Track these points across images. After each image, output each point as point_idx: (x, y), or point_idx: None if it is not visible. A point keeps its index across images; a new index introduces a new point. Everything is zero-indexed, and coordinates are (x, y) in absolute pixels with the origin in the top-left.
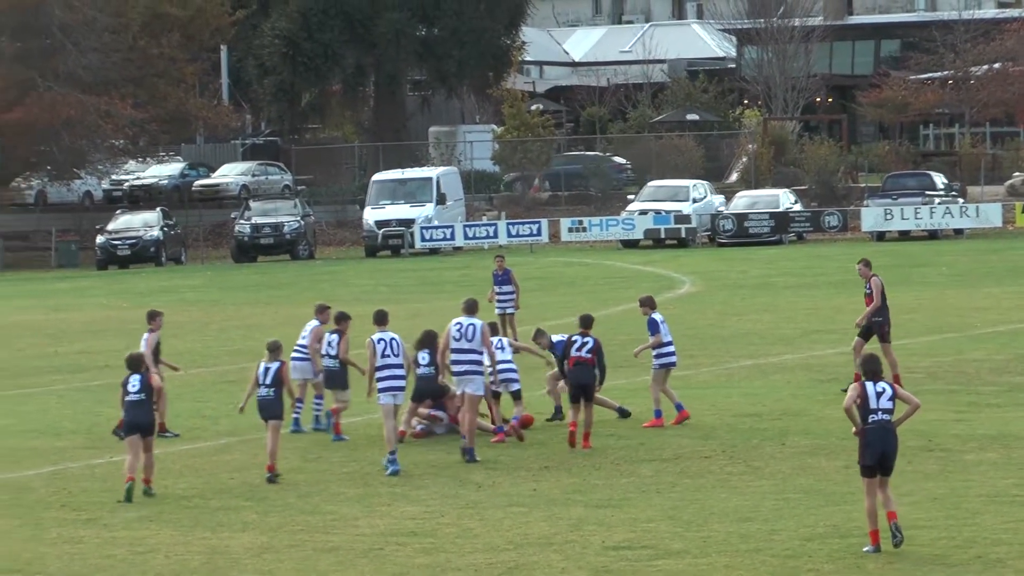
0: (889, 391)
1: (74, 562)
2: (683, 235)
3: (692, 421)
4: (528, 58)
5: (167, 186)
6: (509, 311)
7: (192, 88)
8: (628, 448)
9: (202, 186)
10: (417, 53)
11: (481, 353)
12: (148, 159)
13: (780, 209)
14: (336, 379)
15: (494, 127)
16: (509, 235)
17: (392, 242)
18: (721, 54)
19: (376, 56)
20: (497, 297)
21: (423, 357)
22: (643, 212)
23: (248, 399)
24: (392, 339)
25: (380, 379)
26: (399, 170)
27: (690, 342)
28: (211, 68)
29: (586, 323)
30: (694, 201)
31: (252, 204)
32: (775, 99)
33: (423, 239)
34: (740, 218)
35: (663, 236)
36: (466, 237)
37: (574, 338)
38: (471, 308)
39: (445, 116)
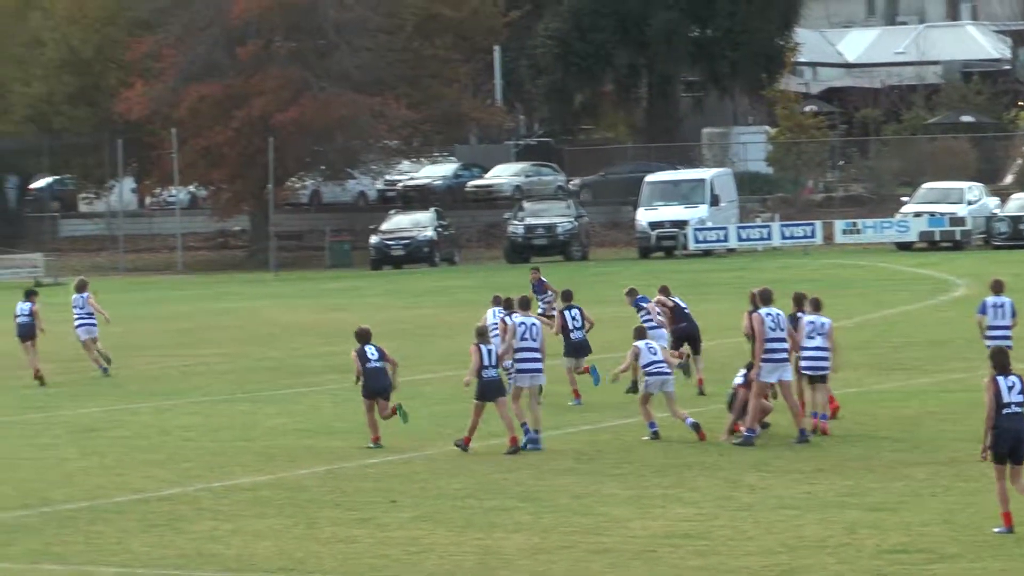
0: (1019, 385)
1: (348, 561)
2: (958, 237)
3: (969, 425)
4: (801, 59)
5: (440, 187)
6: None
7: (465, 89)
8: (902, 451)
9: (475, 186)
10: (690, 53)
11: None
12: (422, 159)
13: None
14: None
15: (767, 128)
16: (783, 237)
17: (665, 243)
18: (996, 55)
19: (649, 56)
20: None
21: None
22: (917, 214)
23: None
24: (533, 324)
25: (519, 360)
26: (672, 171)
27: (965, 345)
28: (484, 69)
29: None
30: (969, 203)
31: (525, 205)
32: None
33: (696, 240)
34: (1015, 220)
35: (937, 238)
36: (739, 239)
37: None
38: (767, 299)
39: (718, 117)
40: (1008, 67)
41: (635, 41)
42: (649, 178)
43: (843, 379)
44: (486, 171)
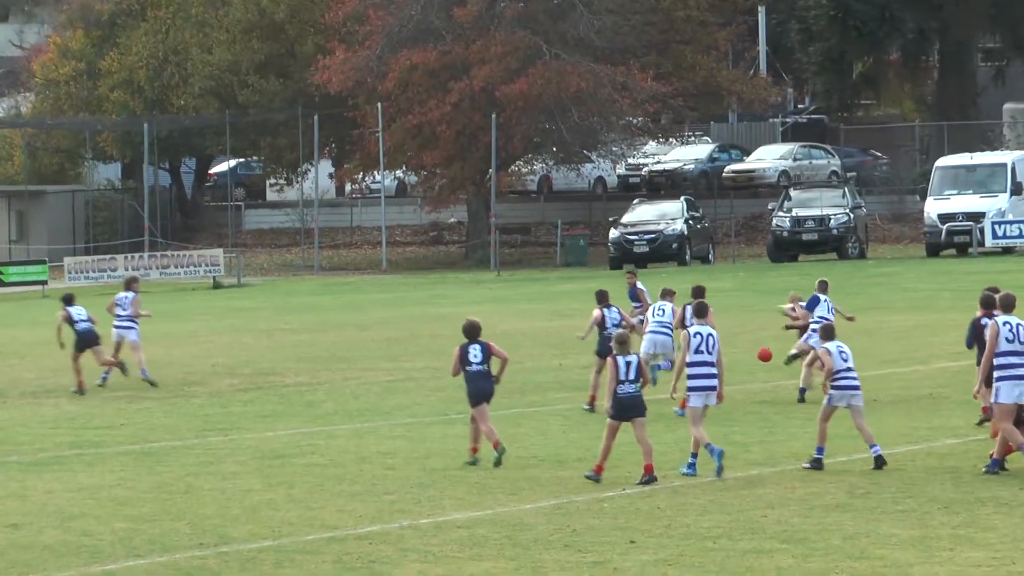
0: None
1: None
2: None
3: None
4: None
5: (693, 171)
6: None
7: (724, 57)
8: None
9: (734, 172)
10: (990, 16)
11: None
12: (671, 140)
13: None
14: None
15: None
16: None
17: (958, 239)
18: None
19: (941, 20)
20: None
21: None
22: None
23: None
24: (709, 334)
25: (692, 376)
26: (968, 154)
27: None
28: (747, 33)
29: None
30: None
31: (793, 193)
32: None
33: (995, 236)
34: None
35: None
36: None
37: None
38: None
39: (1023, 91)
40: None
41: (926, 2)
42: (940, 162)
43: None
44: (747, 154)
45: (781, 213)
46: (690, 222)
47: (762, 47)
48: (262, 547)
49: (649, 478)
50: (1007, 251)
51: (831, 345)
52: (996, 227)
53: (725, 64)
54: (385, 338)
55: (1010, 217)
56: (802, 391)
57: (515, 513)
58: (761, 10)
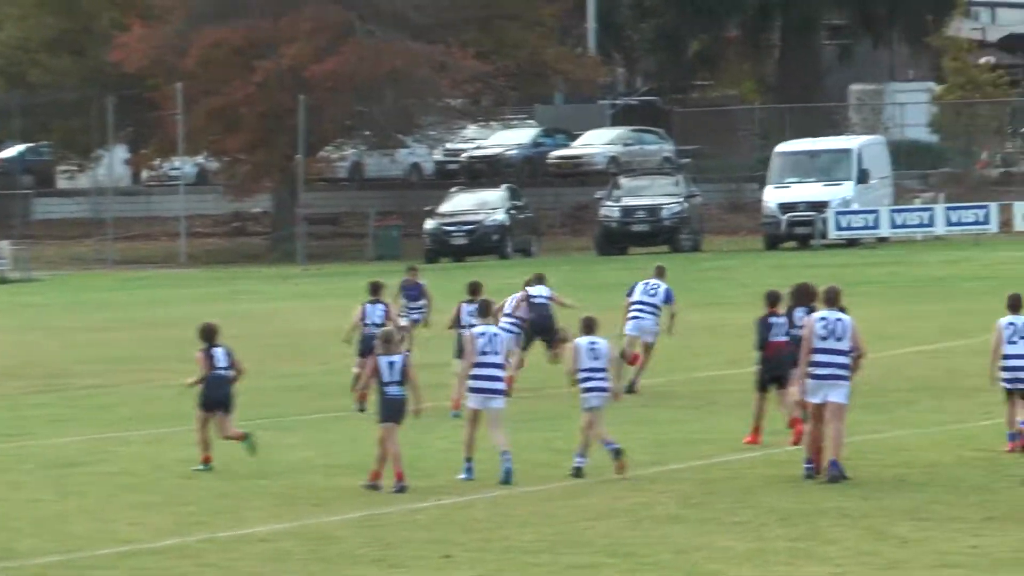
0: None
1: None
2: None
3: None
4: None
5: (515, 158)
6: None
7: (550, 34)
8: None
9: (560, 158)
10: None
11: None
12: (492, 123)
13: None
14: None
15: (932, 85)
16: (948, 223)
17: (799, 230)
18: None
19: None
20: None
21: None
22: None
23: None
24: (495, 334)
25: (473, 377)
26: (810, 139)
27: None
28: (574, 8)
29: (774, 301)
30: None
31: (622, 181)
32: None
33: (839, 227)
34: None
35: None
36: (894, 225)
37: (771, 320)
38: (832, 299)
39: (870, 71)
40: None
41: None
42: (780, 148)
43: None
44: (574, 138)
45: (610, 203)
46: (512, 212)
47: (591, 23)
48: (50, 562)
49: (401, 486)
50: (852, 243)
51: (583, 340)
52: (840, 218)
53: (551, 42)
54: (183, 337)
55: (855, 207)
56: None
57: (321, 525)
58: None
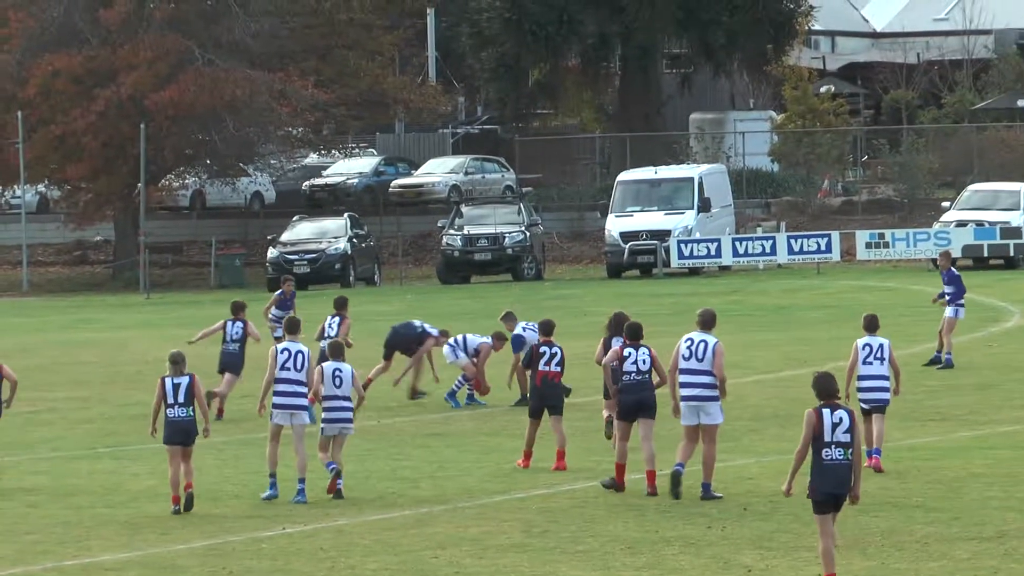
0: (847, 422)
1: None
2: (1011, 253)
3: (1021, 491)
4: (817, 27)
5: (357, 186)
6: None
7: (391, 63)
8: (939, 523)
9: (402, 186)
10: (676, 19)
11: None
12: (334, 152)
13: None
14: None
15: (772, 114)
16: (790, 251)
17: (642, 259)
18: None
19: (624, 23)
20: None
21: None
22: (961, 223)
23: (156, 421)
24: (299, 351)
25: (276, 393)
26: (652, 168)
27: (1017, 386)
28: (415, 38)
29: (547, 330)
30: None
31: (464, 210)
32: None
33: (681, 256)
34: None
35: (986, 254)
36: (735, 254)
37: (542, 349)
38: (708, 323)
39: (710, 100)
40: None
41: (607, 3)
42: (622, 177)
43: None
44: (416, 167)
45: (452, 231)
46: (354, 240)
47: (431, 52)
48: None
49: (176, 509)
50: (694, 272)
51: (327, 366)
52: (682, 246)
53: (392, 70)
54: (25, 366)
55: (697, 235)
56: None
57: (167, 554)
58: (430, 12)
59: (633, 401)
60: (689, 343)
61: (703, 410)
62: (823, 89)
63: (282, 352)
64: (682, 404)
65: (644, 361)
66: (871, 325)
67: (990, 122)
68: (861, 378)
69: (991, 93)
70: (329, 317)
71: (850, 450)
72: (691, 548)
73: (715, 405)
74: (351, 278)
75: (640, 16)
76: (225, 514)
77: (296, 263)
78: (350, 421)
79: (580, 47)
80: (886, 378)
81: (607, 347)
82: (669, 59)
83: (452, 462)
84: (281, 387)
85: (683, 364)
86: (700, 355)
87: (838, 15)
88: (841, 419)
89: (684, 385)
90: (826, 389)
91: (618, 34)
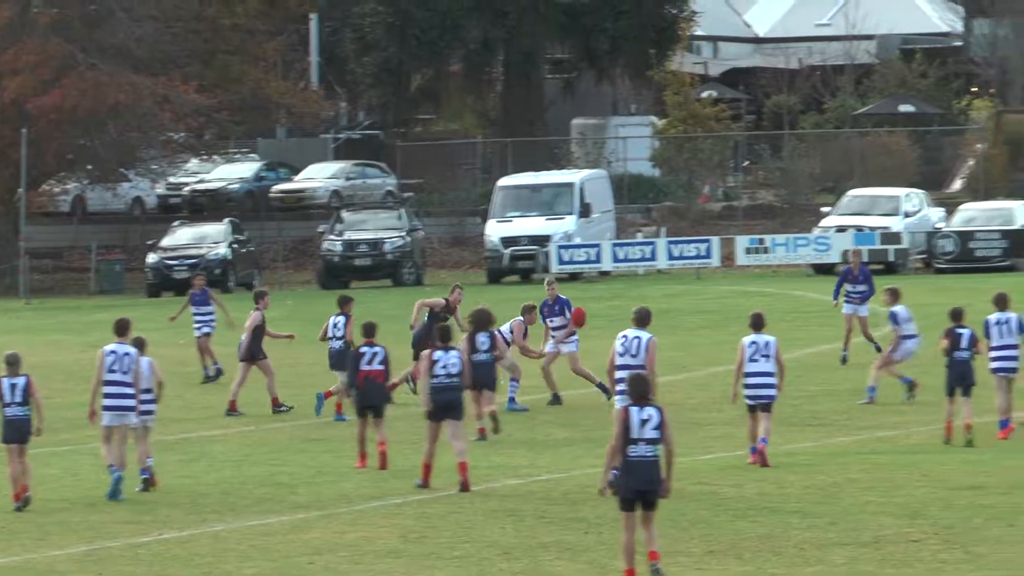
0: (656, 419)
1: None
2: (891, 258)
3: (901, 496)
4: (699, 32)
5: (238, 191)
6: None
7: (273, 68)
8: (816, 528)
9: (283, 192)
10: (559, 25)
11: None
12: (215, 157)
13: (1016, 226)
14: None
15: (654, 119)
16: (670, 257)
17: (522, 264)
18: (944, 29)
19: (507, 28)
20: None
21: (482, 342)
22: (841, 229)
23: None
24: (126, 353)
25: (105, 395)
26: (533, 173)
27: (892, 392)
28: (298, 43)
29: (369, 331)
30: (906, 215)
31: (345, 215)
32: (1013, 86)
33: (561, 261)
34: (964, 237)
35: (865, 259)
36: (616, 259)
37: (363, 349)
38: (643, 320)
39: (593, 105)
40: (960, 43)
41: (491, 8)
42: (502, 182)
43: (738, 438)
44: (297, 172)
45: (332, 236)
46: (235, 246)
47: (314, 57)
48: None
49: (17, 506)
50: (574, 277)
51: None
52: (563, 251)
53: (274, 75)
54: None
55: (578, 241)
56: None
57: (44, 560)
58: (313, 17)
59: (443, 402)
60: (624, 340)
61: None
62: (705, 94)
63: (108, 355)
64: (617, 398)
65: (454, 364)
66: (757, 323)
67: (871, 127)
68: (747, 375)
69: (873, 98)
70: (333, 316)
71: (658, 446)
72: (567, 553)
73: None
74: (231, 283)
75: (523, 21)
76: (103, 520)
77: (176, 268)
78: (147, 413)
79: (463, 52)
80: (772, 375)
81: (471, 343)
82: (552, 64)
83: (330, 467)
84: (108, 389)
85: (619, 360)
86: (635, 351)
87: (720, 20)
88: (650, 416)
89: (620, 380)
90: (636, 391)
91: (501, 39)
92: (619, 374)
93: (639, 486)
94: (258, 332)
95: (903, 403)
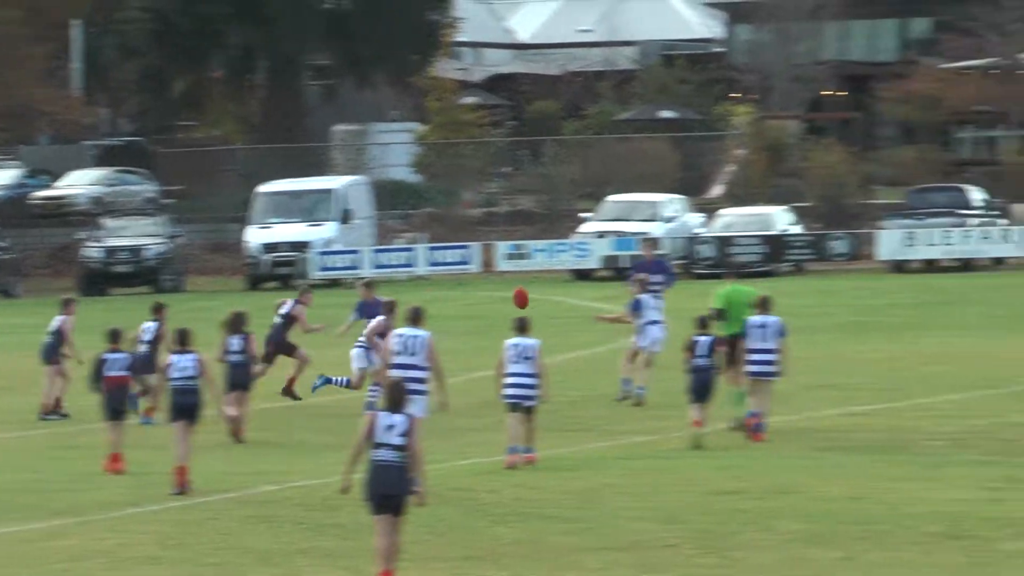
0: (402, 426)
1: None
2: None
3: (657, 500)
4: (462, 38)
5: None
6: None
7: (35, 75)
8: (573, 533)
9: (43, 199)
10: (321, 31)
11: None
12: None
13: (775, 232)
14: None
15: (416, 126)
16: (431, 263)
17: (282, 271)
18: (706, 34)
19: (269, 34)
20: None
21: (234, 343)
22: (601, 234)
23: None
24: None
25: None
26: (293, 180)
27: (658, 400)
28: (60, 49)
29: (114, 338)
30: (666, 221)
31: (105, 222)
32: (773, 92)
33: (322, 267)
34: (724, 242)
35: (624, 265)
36: (377, 265)
37: (104, 356)
38: (416, 318)
39: (354, 111)
40: (721, 49)
41: (252, 15)
42: (262, 188)
43: (495, 444)
44: (58, 179)
45: (92, 243)
46: None
47: (76, 64)
48: None
49: None
50: (335, 283)
51: None
52: (323, 258)
53: (36, 82)
54: None
55: (338, 247)
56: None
57: None
58: (76, 24)
59: (180, 404)
60: (400, 338)
61: (412, 402)
62: (467, 100)
63: None
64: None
65: (190, 367)
66: (521, 327)
67: (632, 133)
68: (507, 376)
69: (634, 104)
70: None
71: (403, 453)
72: (326, 560)
73: (421, 399)
74: None
75: (285, 27)
76: None
77: None
78: None
79: (225, 58)
80: (532, 376)
81: (225, 347)
82: (314, 71)
83: (87, 474)
84: None
85: (396, 359)
86: (413, 349)
87: (483, 26)
88: (396, 423)
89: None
90: (391, 398)
91: (263, 45)
92: (395, 372)
93: (383, 490)
94: (58, 337)
95: (617, 401)
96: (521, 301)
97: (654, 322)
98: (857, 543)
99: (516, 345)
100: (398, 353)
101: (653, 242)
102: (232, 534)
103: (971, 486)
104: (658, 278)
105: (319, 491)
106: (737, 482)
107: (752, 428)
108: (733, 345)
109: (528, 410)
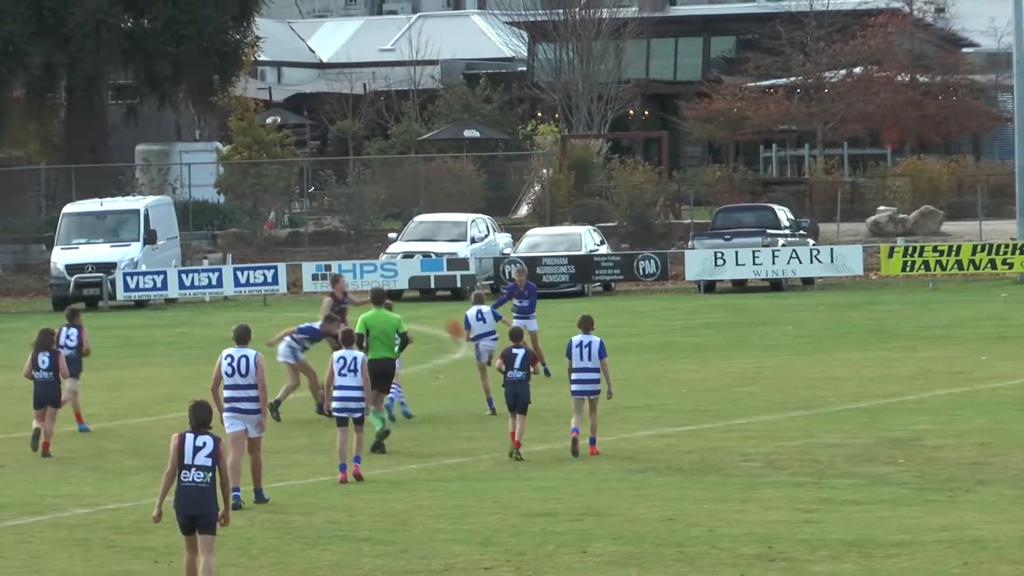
0: (210, 447)
1: None
2: (458, 284)
3: (471, 523)
4: (263, 57)
5: None
6: None
7: None
8: (386, 556)
9: None
10: (122, 49)
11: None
12: None
13: (582, 252)
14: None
15: (219, 145)
16: (237, 283)
17: (87, 292)
18: (509, 54)
19: (70, 53)
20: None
21: (42, 360)
22: (407, 255)
23: None
24: None
25: None
26: (98, 200)
27: (468, 421)
28: None
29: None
30: (472, 241)
31: None
32: (577, 111)
33: (127, 288)
34: (531, 263)
35: (433, 286)
36: (182, 286)
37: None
38: (243, 338)
39: (157, 131)
40: (524, 69)
41: (54, 33)
42: (67, 209)
43: (309, 466)
44: None
45: None
46: None
47: None
48: None
49: None
50: (141, 304)
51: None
52: (128, 279)
53: None
54: None
55: (143, 268)
56: None
57: None
58: None
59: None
60: (230, 359)
61: (248, 421)
62: (269, 120)
63: None
64: (226, 415)
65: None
66: (347, 339)
67: (437, 152)
68: (337, 388)
69: (438, 123)
70: (64, 328)
71: (210, 474)
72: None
73: (255, 417)
74: None
75: (86, 46)
76: None
77: None
78: None
79: (26, 77)
80: (360, 389)
81: (34, 362)
82: (115, 90)
83: None
84: None
85: (227, 380)
86: (244, 370)
87: (284, 46)
88: (204, 443)
89: (230, 399)
90: (196, 418)
91: (64, 64)
92: (227, 393)
93: (190, 511)
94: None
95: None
96: (455, 332)
97: (487, 334)
98: (673, 565)
99: (342, 358)
100: (229, 375)
101: (523, 269)
102: (43, 557)
103: (785, 507)
104: (526, 303)
105: (130, 514)
106: (551, 504)
107: (575, 444)
108: (377, 370)
109: (359, 421)
